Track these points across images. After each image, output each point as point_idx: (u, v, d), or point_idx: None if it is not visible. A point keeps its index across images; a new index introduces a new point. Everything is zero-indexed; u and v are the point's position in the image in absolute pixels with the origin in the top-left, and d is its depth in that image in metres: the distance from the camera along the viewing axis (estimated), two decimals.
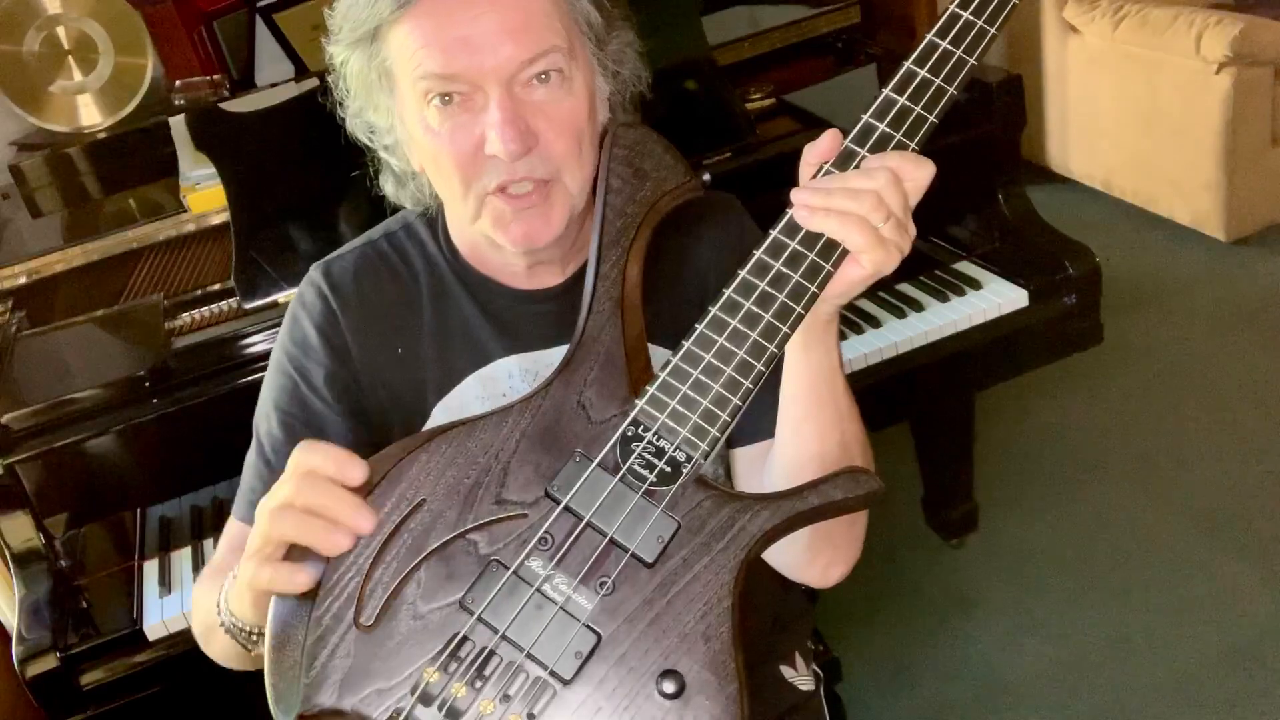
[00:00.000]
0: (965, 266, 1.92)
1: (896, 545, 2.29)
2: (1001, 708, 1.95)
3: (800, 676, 1.26)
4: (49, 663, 1.41)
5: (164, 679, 1.45)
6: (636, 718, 0.76)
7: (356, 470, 0.79)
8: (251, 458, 1.06)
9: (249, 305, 1.62)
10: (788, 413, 0.95)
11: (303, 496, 0.78)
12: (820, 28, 2.13)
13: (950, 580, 2.23)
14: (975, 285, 1.85)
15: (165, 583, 1.51)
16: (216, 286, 1.71)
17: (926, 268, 1.90)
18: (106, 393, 1.51)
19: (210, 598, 0.94)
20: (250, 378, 1.54)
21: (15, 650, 1.41)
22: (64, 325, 1.68)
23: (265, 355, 1.29)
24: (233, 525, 1.06)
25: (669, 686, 0.77)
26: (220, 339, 1.58)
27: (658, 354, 1.06)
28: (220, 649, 0.96)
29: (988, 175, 1.91)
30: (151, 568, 1.55)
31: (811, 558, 1.00)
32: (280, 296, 1.61)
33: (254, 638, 0.90)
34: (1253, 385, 2.61)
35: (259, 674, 0.84)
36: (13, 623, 1.46)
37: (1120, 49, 3.22)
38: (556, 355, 1.06)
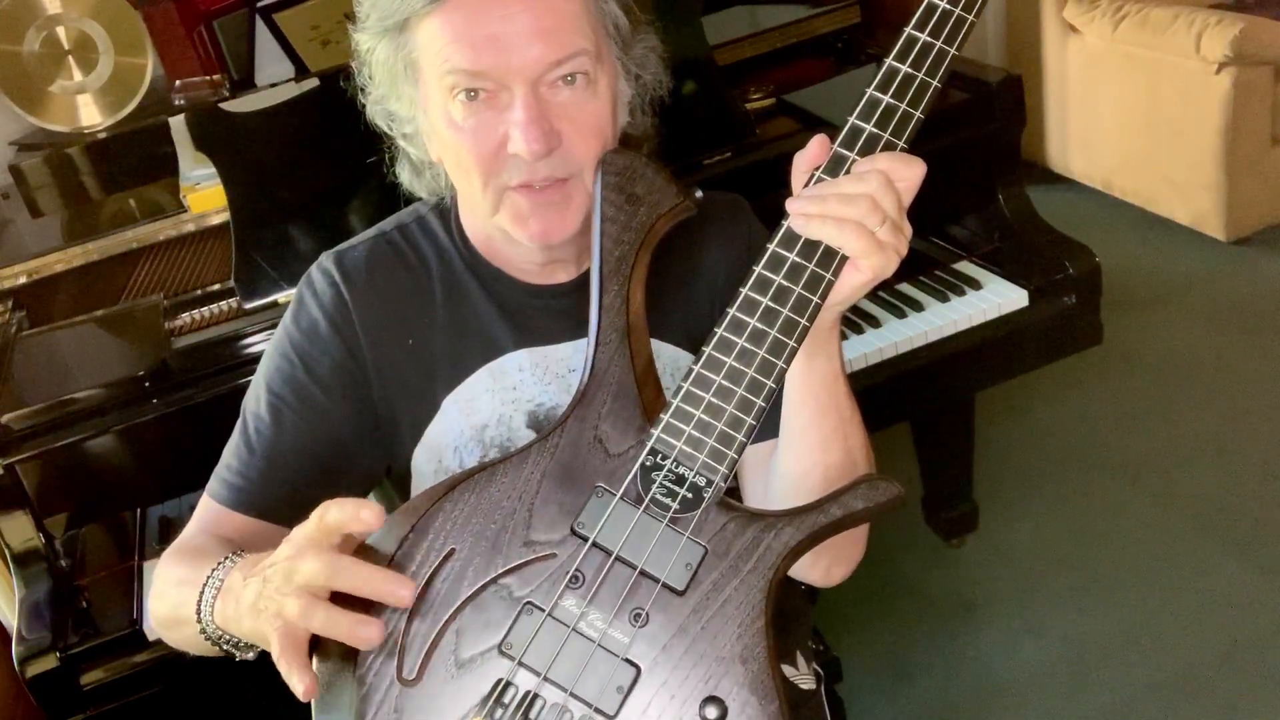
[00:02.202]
0: (965, 266, 1.91)
1: (896, 545, 2.29)
2: (1001, 708, 1.95)
3: (801, 675, 1.26)
4: (49, 663, 1.40)
5: (164, 679, 1.44)
6: None
7: (371, 515, 0.77)
8: (235, 434, 1.05)
9: (249, 305, 1.61)
10: (791, 420, 0.95)
11: (335, 580, 0.76)
12: (820, 28, 2.14)
13: (950, 580, 2.23)
14: (975, 285, 1.85)
15: None
16: (216, 286, 1.71)
17: (926, 268, 1.90)
18: (106, 393, 1.50)
19: (182, 589, 0.91)
20: (250, 378, 1.53)
21: (15, 650, 1.41)
22: (64, 325, 1.68)
23: None
24: (207, 504, 1.03)
25: (712, 712, 0.78)
26: (220, 339, 1.58)
27: (667, 351, 1.06)
28: (186, 640, 0.93)
29: (988, 175, 1.91)
30: (151, 568, 1.54)
31: (814, 559, 0.99)
32: (280, 296, 1.61)
33: (241, 646, 0.88)
34: (1252, 385, 2.61)
35: (258, 676, 0.84)
36: (13, 623, 1.46)
37: (1120, 49, 3.22)
38: (566, 350, 1.07)
